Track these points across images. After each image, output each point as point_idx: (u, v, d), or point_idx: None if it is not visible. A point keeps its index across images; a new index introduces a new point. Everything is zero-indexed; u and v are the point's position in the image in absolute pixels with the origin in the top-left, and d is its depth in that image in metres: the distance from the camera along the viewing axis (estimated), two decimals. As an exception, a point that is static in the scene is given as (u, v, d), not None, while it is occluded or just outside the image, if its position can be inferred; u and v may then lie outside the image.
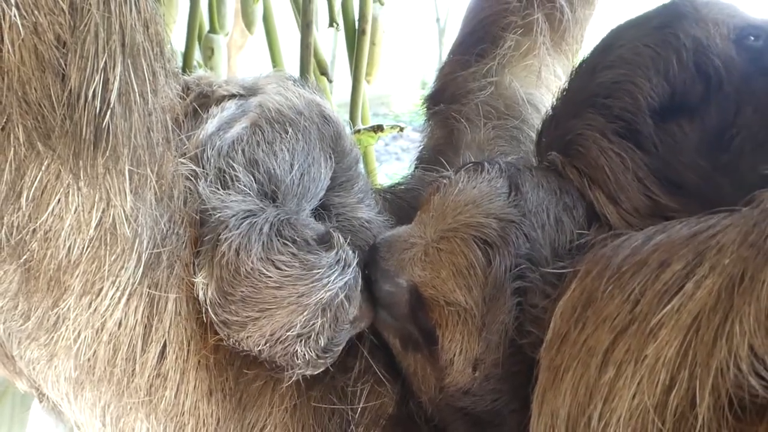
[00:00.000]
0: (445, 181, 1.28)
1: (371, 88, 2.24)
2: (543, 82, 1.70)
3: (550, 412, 1.02)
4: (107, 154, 1.05)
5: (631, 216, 1.22)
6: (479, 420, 1.25)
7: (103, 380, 1.22)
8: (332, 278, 1.21)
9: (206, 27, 2.25)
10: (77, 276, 1.11)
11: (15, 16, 0.96)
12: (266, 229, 1.22)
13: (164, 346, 1.22)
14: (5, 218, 1.06)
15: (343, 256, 1.24)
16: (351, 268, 1.24)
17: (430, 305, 1.21)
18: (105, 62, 1.02)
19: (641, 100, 1.22)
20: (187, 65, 2.13)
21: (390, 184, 1.67)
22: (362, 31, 2.02)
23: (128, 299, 1.16)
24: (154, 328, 1.20)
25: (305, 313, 1.19)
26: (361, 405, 1.28)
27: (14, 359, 1.25)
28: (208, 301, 1.21)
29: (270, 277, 1.19)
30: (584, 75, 1.35)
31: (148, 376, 1.23)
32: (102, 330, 1.17)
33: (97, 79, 1.02)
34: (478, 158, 1.54)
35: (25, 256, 1.09)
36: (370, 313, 1.28)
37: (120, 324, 1.17)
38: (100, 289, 1.14)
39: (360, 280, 1.26)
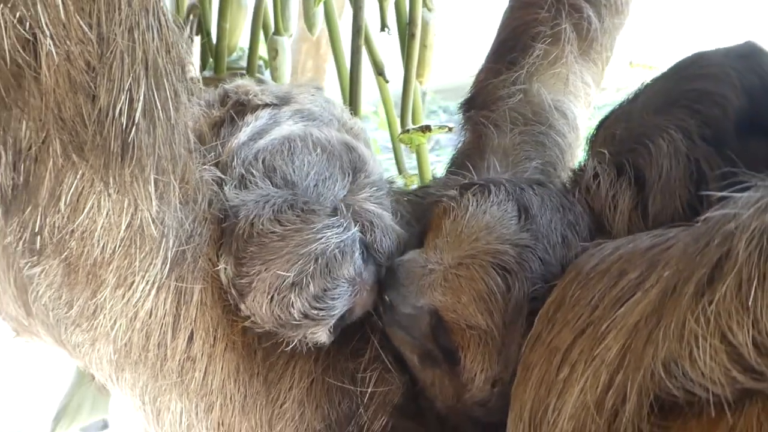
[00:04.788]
0: (452, 204, 1.35)
1: (447, 79, 2.31)
2: (571, 89, 1.76)
3: (519, 405, 1.11)
4: (133, 164, 1.19)
5: (645, 219, 1.31)
6: (490, 425, 1.34)
7: (139, 363, 1.37)
8: (328, 234, 1.30)
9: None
10: (111, 271, 1.26)
11: (50, 45, 1.11)
12: (279, 201, 1.34)
13: (192, 333, 1.36)
14: (47, 219, 1.21)
15: (345, 223, 1.33)
16: (350, 233, 1.33)
17: (452, 328, 1.29)
18: (130, 84, 1.16)
19: (730, 112, 1.31)
20: (250, 66, 2.25)
21: (418, 186, 1.76)
22: (412, 36, 2.10)
23: (157, 292, 1.30)
24: (182, 317, 1.34)
25: (299, 262, 1.28)
26: (369, 389, 1.39)
27: (64, 343, 1.41)
28: (228, 281, 1.34)
29: (275, 232, 1.30)
30: (671, 79, 1.44)
31: (179, 360, 1.37)
32: (135, 319, 1.31)
33: (123, 98, 1.16)
34: (502, 163, 1.62)
35: (65, 253, 1.24)
36: (374, 285, 1.37)
37: (151, 314, 1.32)
38: (132, 283, 1.28)
39: (359, 247, 1.34)
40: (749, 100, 1.30)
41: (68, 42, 1.12)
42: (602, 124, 1.52)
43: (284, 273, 1.29)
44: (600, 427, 0.96)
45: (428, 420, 1.43)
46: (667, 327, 0.91)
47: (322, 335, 1.35)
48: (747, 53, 1.35)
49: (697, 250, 0.93)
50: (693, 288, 0.89)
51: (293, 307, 1.30)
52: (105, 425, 4.98)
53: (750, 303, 0.84)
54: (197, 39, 2.40)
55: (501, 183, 1.37)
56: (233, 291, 1.34)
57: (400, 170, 2.22)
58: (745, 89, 1.29)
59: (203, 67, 2.40)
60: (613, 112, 1.51)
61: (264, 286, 1.30)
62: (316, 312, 1.30)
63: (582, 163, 1.47)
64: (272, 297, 1.30)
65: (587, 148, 1.54)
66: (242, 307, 1.34)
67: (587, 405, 0.98)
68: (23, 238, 1.24)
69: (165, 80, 1.21)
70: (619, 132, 1.42)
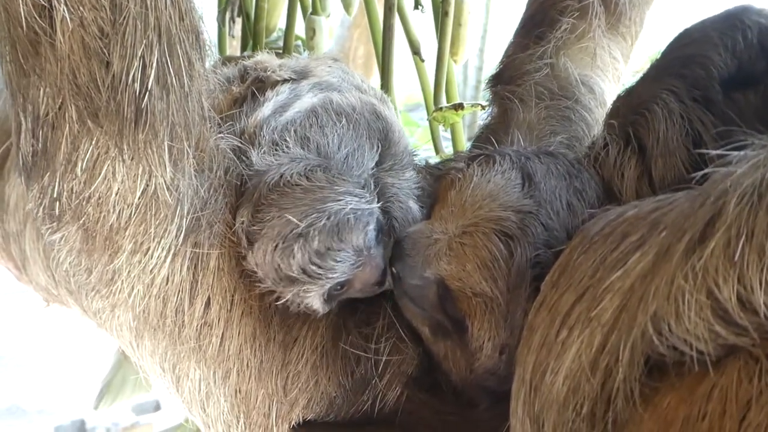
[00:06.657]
0: (459, 175, 1.35)
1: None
2: (598, 63, 1.73)
3: (522, 368, 1.11)
4: (147, 130, 1.22)
5: (652, 185, 1.30)
6: (503, 395, 1.34)
7: (157, 330, 1.40)
8: (348, 199, 1.31)
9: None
10: (127, 237, 1.29)
11: (64, 11, 1.14)
12: (314, 163, 1.35)
13: (209, 298, 1.38)
14: (65, 184, 1.25)
15: (368, 197, 1.35)
16: (371, 206, 1.34)
17: (457, 296, 1.29)
18: (143, 50, 1.19)
19: (713, 71, 1.31)
20: (287, 45, 2.26)
21: (441, 159, 1.76)
22: (445, 13, 2.09)
23: (173, 258, 1.33)
24: (198, 283, 1.37)
25: (312, 215, 1.29)
26: (384, 358, 1.40)
27: (87, 310, 1.44)
28: (243, 229, 1.34)
29: (300, 185, 1.32)
30: (661, 56, 1.44)
31: (196, 326, 1.39)
32: (152, 285, 1.34)
33: (136, 65, 1.19)
34: (526, 137, 1.61)
35: (83, 219, 1.27)
36: (379, 267, 1.37)
37: (167, 280, 1.34)
38: (148, 249, 1.30)
39: (375, 223, 1.35)
40: (732, 56, 1.31)
41: (82, 8, 1.15)
42: (616, 100, 1.53)
43: (295, 220, 1.29)
44: (594, 387, 0.96)
45: (444, 393, 1.42)
46: (658, 286, 0.90)
47: (315, 299, 1.35)
48: (728, 14, 1.36)
49: (693, 209, 0.92)
50: (684, 246, 0.89)
51: (293, 258, 1.30)
52: (158, 406, 5.11)
53: (737, 258, 0.83)
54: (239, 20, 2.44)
55: (506, 153, 1.36)
56: (245, 240, 1.35)
57: (437, 150, 2.21)
58: (727, 47, 1.31)
59: (244, 47, 2.43)
60: (622, 90, 1.52)
61: (272, 233, 1.31)
62: (314, 268, 1.30)
63: (596, 135, 1.47)
64: (277, 245, 1.30)
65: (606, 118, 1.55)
66: (249, 256, 1.35)
67: (582, 366, 0.98)
68: (43, 204, 1.28)
69: (178, 47, 1.23)
70: (621, 105, 1.43)
